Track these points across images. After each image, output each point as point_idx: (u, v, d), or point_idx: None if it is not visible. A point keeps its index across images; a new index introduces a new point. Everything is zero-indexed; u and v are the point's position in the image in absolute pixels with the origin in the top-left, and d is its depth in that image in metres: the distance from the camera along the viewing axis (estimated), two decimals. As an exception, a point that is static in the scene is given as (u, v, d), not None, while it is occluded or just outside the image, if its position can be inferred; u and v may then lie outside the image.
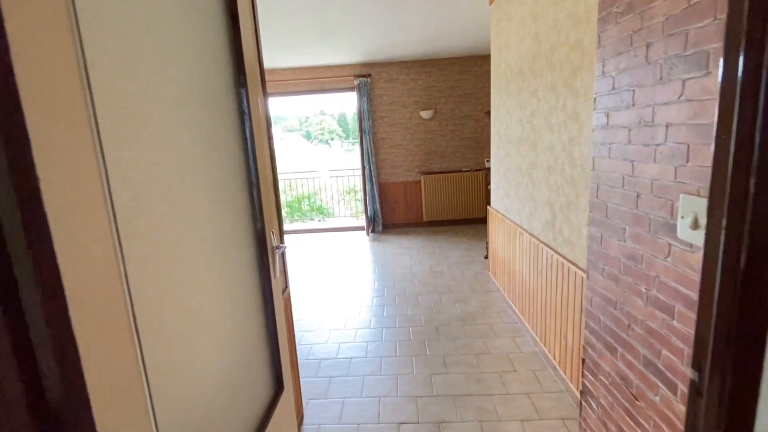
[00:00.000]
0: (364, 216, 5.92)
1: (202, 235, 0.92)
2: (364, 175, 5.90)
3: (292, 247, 5.80)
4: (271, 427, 1.20)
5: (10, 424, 0.41)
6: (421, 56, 5.79)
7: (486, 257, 4.68)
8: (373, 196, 6.23)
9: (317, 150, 26.63)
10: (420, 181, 6.31)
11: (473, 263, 4.53)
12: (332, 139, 35.63)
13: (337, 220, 7.78)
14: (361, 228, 6.49)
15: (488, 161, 6.73)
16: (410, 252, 5.11)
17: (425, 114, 6.08)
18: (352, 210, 10.29)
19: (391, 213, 6.45)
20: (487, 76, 6.02)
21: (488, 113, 6.09)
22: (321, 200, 10.86)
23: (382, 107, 6.15)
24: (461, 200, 6.29)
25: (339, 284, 4.19)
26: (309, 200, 10.60)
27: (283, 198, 10.63)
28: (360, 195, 5.86)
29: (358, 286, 4.09)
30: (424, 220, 6.37)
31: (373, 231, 6.29)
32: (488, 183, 6.33)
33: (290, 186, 10.34)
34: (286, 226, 7.14)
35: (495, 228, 3.76)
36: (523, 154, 2.89)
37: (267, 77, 6.48)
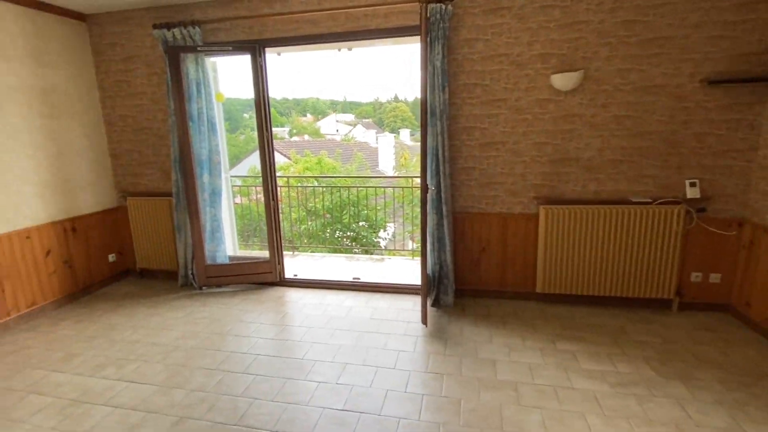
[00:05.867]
0: (420, 270, 2.99)
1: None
2: (423, 198, 2.94)
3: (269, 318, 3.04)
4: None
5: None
6: (567, -49, 2.64)
7: None
8: (440, 238, 3.25)
9: (383, 140, 23.85)
10: (537, 215, 3.21)
11: None
12: (402, 127, 32.56)
13: (382, 268, 4.96)
14: (415, 290, 3.57)
15: (693, 184, 3.39)
16: (531, 425, 2.09)
17: (562, 80, 2.94)
18: (409, 228, 7.37)
19: (473, 269, 3.43)
20: (716, -3, 2.69)
21: (712, 82, 2.77)
22: (367, 207, 8.05)
23: (472, 65, 3.11)
24: (625, 260, 3.07)
25: None
26: (356, 208, 7.82)
27: (311, 203, 7.98)
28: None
29: None
30: (538, 290, 3.26)
31: (435, 303, 3.33)
32: (689, 225, 3.02)
33: (330, 191, 7.61)
34: (303, 257, 4.41)
35: None
36: None
37: (261, 8, 3.18)
